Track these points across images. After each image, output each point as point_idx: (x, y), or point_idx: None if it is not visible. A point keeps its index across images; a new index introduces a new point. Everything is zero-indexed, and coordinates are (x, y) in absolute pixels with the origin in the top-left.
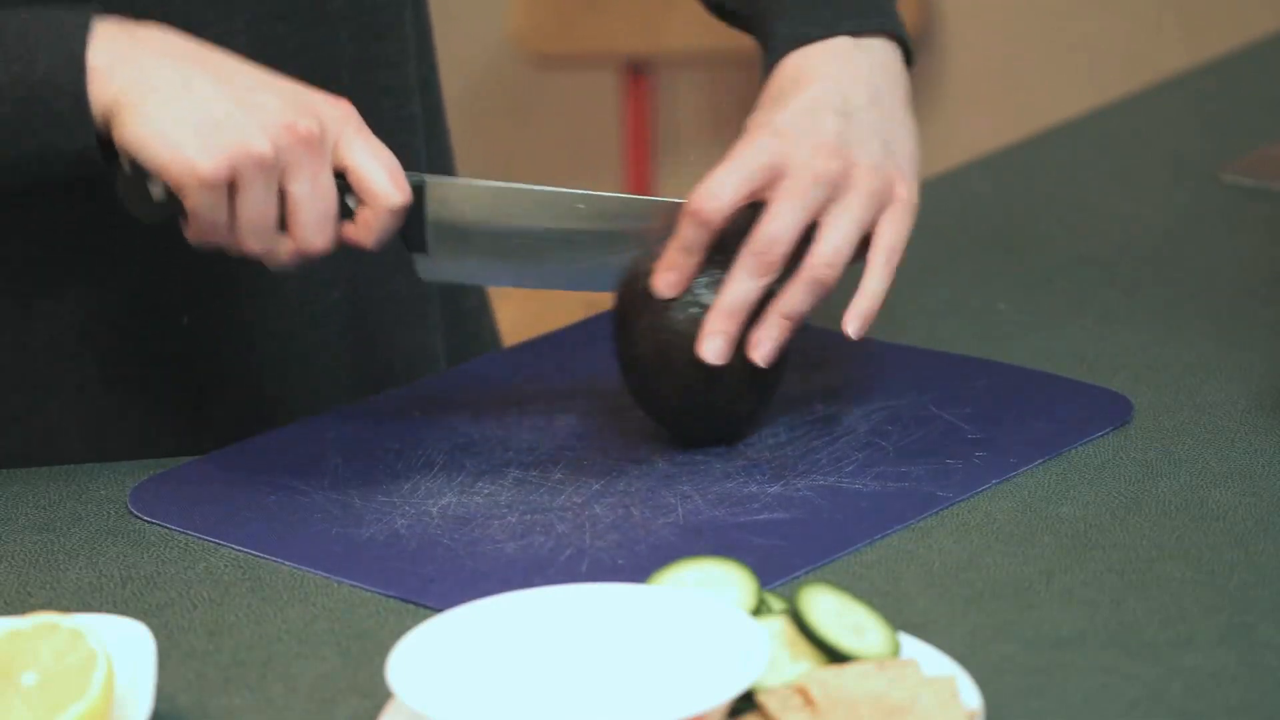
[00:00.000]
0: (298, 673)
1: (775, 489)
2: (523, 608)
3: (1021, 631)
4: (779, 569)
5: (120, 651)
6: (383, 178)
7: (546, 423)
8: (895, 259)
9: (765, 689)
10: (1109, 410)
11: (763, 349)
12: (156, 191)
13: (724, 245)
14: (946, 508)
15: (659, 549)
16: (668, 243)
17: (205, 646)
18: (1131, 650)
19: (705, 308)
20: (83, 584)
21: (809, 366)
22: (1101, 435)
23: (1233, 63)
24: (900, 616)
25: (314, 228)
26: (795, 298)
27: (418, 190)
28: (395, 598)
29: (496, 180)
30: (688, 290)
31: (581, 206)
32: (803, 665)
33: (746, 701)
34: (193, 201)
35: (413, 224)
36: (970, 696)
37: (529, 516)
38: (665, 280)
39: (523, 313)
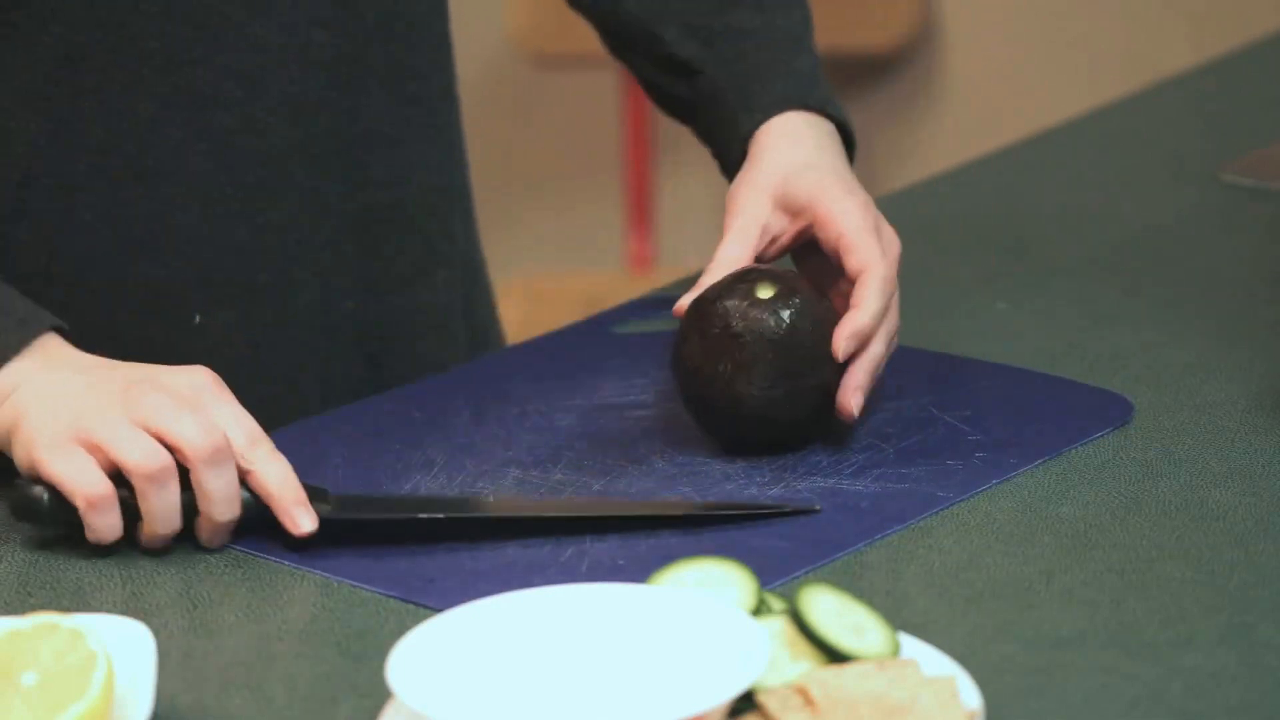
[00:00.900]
0: (298, 673)
1: (775, 491)
2: (523, 608)
3: (1021, 631)
4: (779, 569)
5: (120, 651)
6: (293, 505)
7: (546, 423)
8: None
9: (765, 689)
10: (1109, 410)
11: (857, 402)
12: (38, 493)
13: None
14: (946, 508)
15: (659, 549)
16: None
17: (205, 646)
18: (1131, 650)
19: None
20: (83, 584)
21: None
22: (1101, 435)
23: (1233, 63)
24: (900, 616)
25: (223, 508)
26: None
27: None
28: (395, 598)
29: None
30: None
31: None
32: (803, 665)
33: (746, 701)
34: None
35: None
36: (970, 696)
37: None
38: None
39: (523, 313)
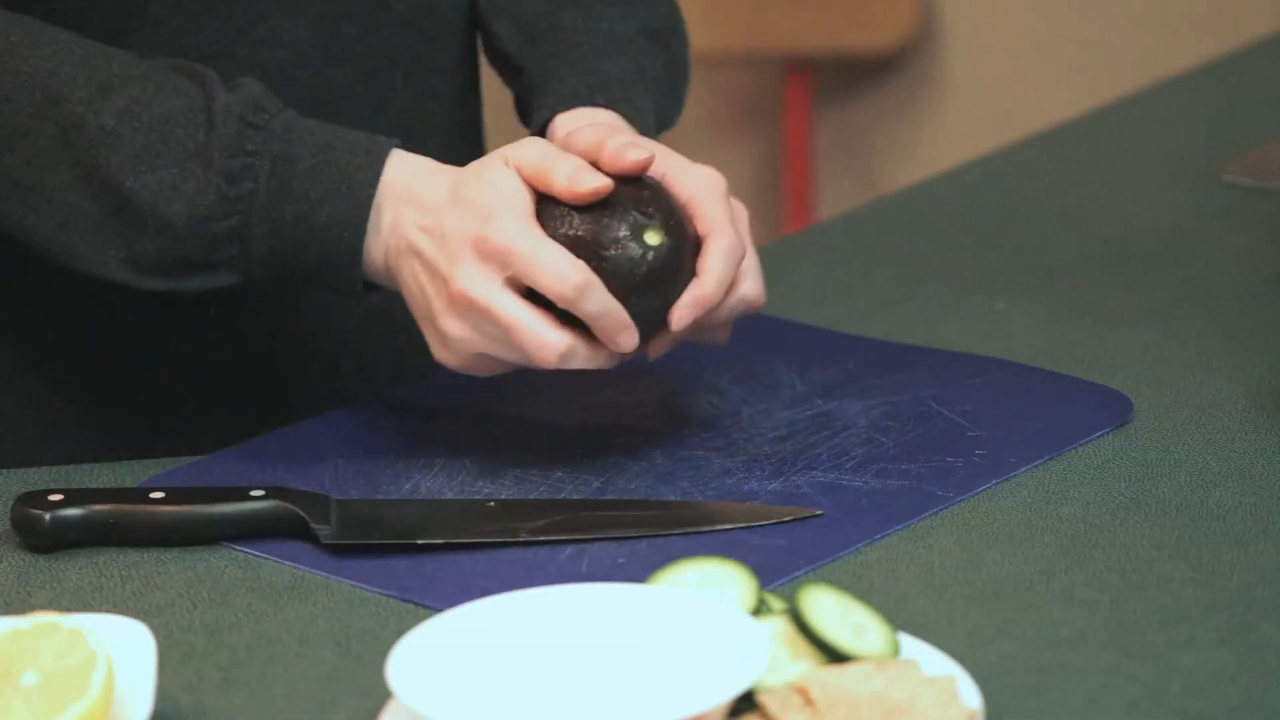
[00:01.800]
0: (298, 673)
1: (775, 485)
2: (523, 608)
3: (1021, 631)
4: (779, 569)
5: (120, 651)
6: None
7: (547, 423)
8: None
9: (765, 689)
10: (1109, 410)
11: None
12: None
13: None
14: (946, 508)
15: (659, 549)
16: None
17: (205, 646)
18: (1131, 650)
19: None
20: (83, 584)
21: (808, 362)
22: (1101, 435)
23: (1233, 63)
24: (900, 616)
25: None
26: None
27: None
28: (395, 598)
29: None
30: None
31: (492, 505)
32: (803, 665)
33: (746, 701)
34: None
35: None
36: (970, 696)
37: None
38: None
39: None
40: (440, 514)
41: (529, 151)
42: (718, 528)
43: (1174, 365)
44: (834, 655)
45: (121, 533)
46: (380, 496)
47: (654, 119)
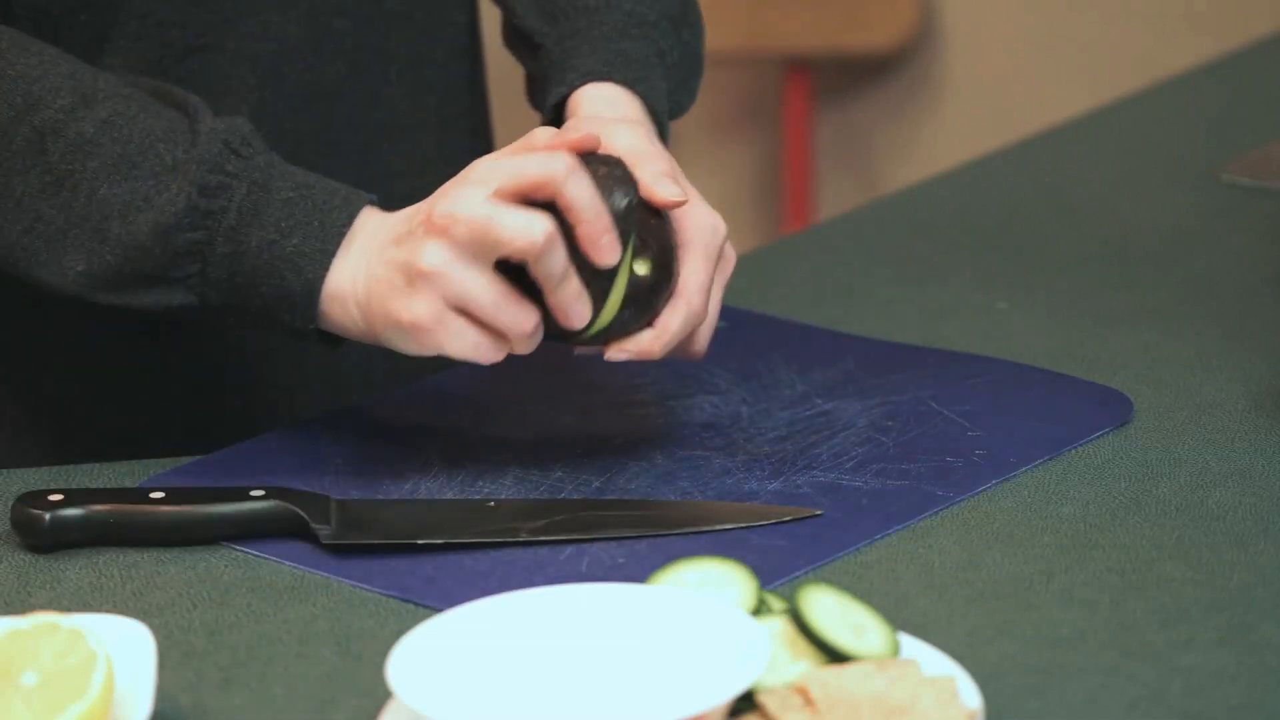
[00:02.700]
0: (298, 673)
1: (775, 485)
2: (523, 608)
3: (1021, 631)
4: (779, 569)
5: (120, 651)
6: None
7: (547, 423)
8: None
9: (765, 689)
10: (1109, 410)
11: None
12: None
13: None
14: (946, 508)
15: (659, 549)
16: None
17: (205, 646)
18: (1131, 650)
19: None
20: (83, 584)
21: (808, 362)
22: (1101, 435)
23: (1233, 63)
24: (900, 616)
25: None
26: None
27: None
28: (395, 598)
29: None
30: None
31: (492, 505)
32: (803, 665)
33: (746, 701)
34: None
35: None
36: (970, 696)
37: None
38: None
39: None
40: (440, 514)
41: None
42: (718, 528)
43: (1174, 365)
44: (834, 655)
45: (121, 533)
46: (380, 496)
47: (668, 104)
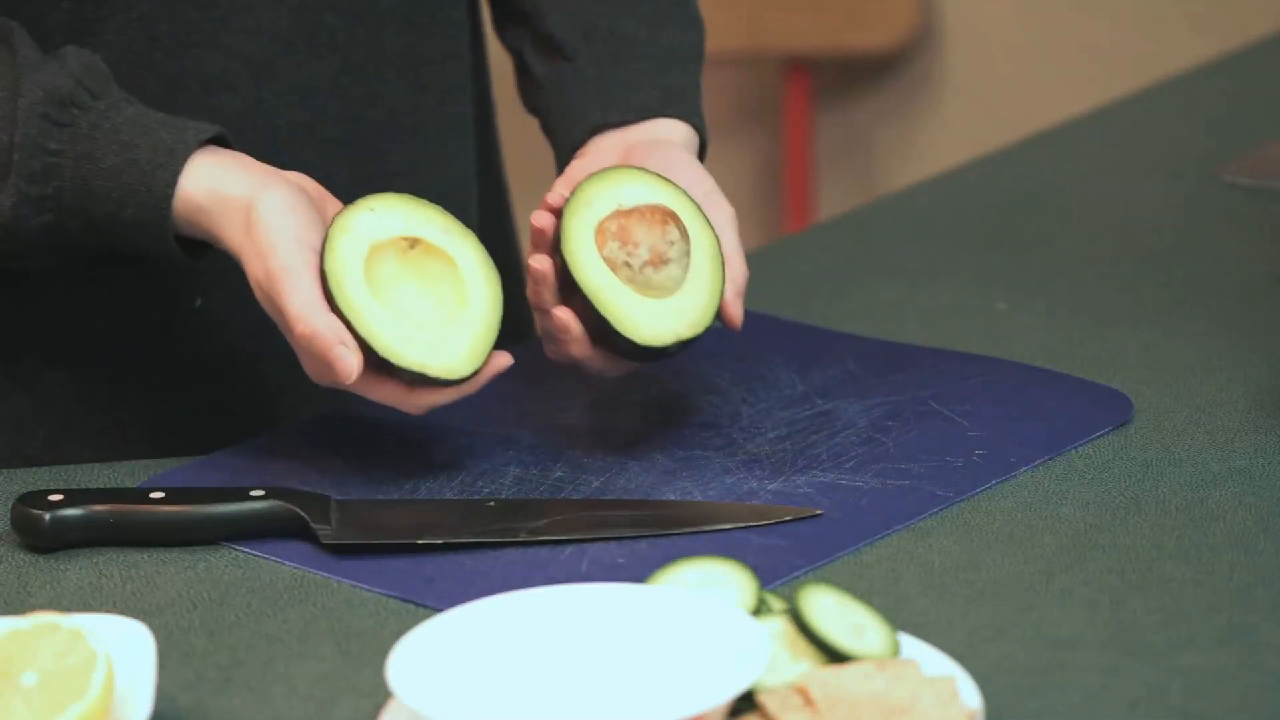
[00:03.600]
0: (298, 673)
1: (775, 485)
2: (523, 608)
3: (1021, 631)
4: (779, 569)
5: (120, 651)
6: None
7: (546, 422)
8: None
9: (765, 689)
10: (1109, 409)
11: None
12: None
13: None
14: (946, 507)
15: (659, 548)
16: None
17: (205, 646)
18: (1131, 650)
19: None
20: (83, 584)
21: (808, 362)
22: (1101, 435)
23: (1233, 63)
24: (900, 616)
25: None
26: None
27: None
28: (395, 598)
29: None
30: None
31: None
32: (803, 665)
33: (746, 701)
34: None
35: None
36: (970, 696)
37: None
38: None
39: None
40: (440, 514)
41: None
42: (718, 528)
43: (1174, 365)
44: (834, 655)
45: (121, 533)
46: (380, 496)
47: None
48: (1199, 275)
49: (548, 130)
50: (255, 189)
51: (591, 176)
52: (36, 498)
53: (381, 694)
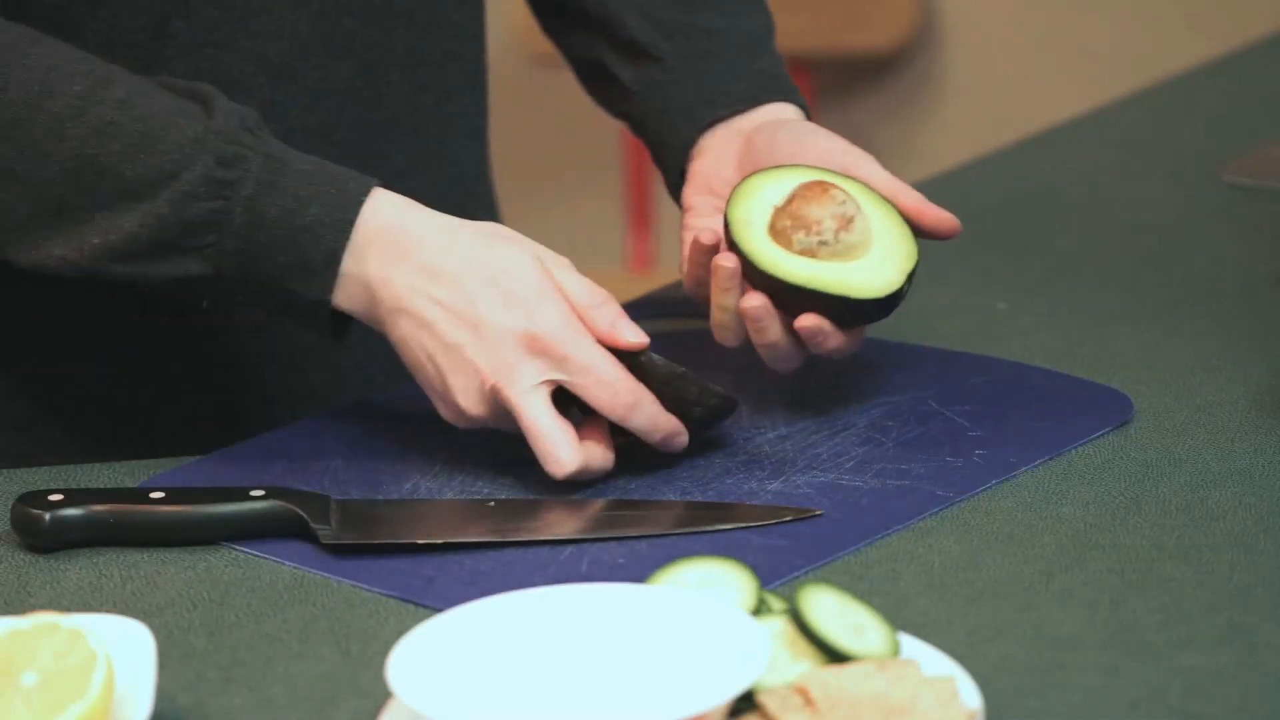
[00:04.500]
0: (298, 673)
1: (775, 485)
2: (523, 608)
3: (1021, 631)
4: (779, 569)
5: (120, 651)
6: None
7: None
8: None
9: (765, 689)
10: (1109, 410)
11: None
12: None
13: None
14: (946, 507)
15: (659, 548)
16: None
17: (205, 646)
18: (1131, 650)
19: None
20: (83, 584)
21: (808, 362)
22: (1101, 435)
23: (1233, 63)
24: (900, 616)
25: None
26: None
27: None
28: (395, 598)
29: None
30: None
31: (492, 505)
32: (803, 665)
33: (746, 701)
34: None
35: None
36: (970, 696)
37: None
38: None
39: None
40: (440, 514)
41: (576, 286)
42: (718, 528)
43: (1174, 365)
44: (834, 655)
45: (121, 533)
46: (380, 496)
47: None
48: (1199, 275)
49: (643, 132)
50: (477, 247)
51: (728, 203)
52: (36, 498)
53: (381, 694)
